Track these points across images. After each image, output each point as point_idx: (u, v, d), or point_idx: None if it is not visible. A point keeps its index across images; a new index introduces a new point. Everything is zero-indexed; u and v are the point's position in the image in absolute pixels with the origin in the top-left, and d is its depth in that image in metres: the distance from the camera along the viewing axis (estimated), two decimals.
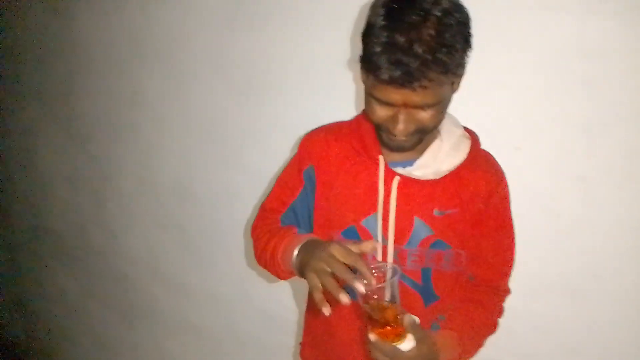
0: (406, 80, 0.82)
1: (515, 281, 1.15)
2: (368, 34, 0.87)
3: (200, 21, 1.71)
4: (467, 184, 1.04)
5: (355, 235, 1.05)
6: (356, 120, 1.12)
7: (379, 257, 1.04)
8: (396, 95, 0.86)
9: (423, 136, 0.98)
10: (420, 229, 1.03)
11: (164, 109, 1.93)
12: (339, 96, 1.47)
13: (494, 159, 1.10)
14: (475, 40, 0.96)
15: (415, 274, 1.05)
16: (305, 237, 0.99)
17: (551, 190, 1.22)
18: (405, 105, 0.88)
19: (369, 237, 1.04)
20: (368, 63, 0.87)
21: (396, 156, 1.04)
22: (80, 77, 2.20)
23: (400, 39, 0.81)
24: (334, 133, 1.13)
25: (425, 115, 0.90)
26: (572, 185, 1.19)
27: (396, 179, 1.03)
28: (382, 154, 1.04)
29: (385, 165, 1.04)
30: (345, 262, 0.83)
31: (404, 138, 0.94)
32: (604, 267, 1.20)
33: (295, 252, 0.96)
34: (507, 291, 1.14)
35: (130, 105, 2.04)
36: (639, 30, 1.06)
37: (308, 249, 0.93)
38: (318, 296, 0.82)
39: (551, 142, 1.19)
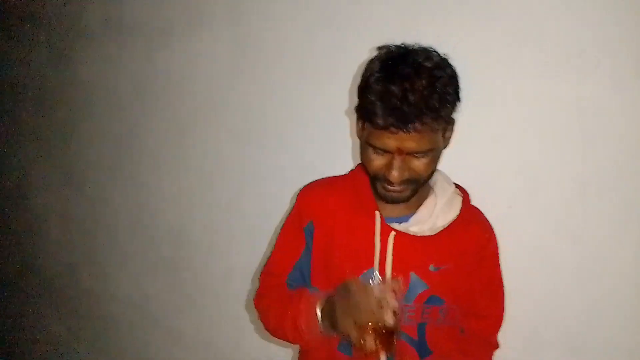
0: (401, 124, 0.87)
1: (513, 335, 1.16)
2: (364, 86, 0.92)
3: (203, 69, 1.75)
4: (460, 239, 1.05)
5: None
6: (351, 174, 1.14)
7: None
8: (391, 140, 0.90)
9: (416, 187, 1.00)
10: (416, 284, 1.04)
11: (163, 153, 1.95)
12: (336, 146, 1.50)
13: (483, 215, 1.13)
14: (474, 98, 1.03)
15: (412, 330, 1.05)
16: (320, 296, 0.99)
17: (546, 248, 1.24)
18: (400, 151, 0.91)
19: None
20: (364, 112, 0.92)
21: (392, 212, 1.06)
22: (80, 120, 2.22)
23: (395, 89, 0.86)
24: (329, 187, 1.14)
25: (418, 164, 0.94)
26: (568, 244, 1.21)
27: (392, 235, 1.03)
28: (378, 209, 1.06)
29: (382, 221, 1.05)
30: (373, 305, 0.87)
31: (398, 188, 0.96)
32: (602, 325, 1.20)
33: (319, 315, 0.97)
34: (497, 345, 1.15)
35: (129, 148, 2.06)
36: (632, 94, 1.11)
37: (332, 309, 0.94)
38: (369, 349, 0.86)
39: (546, 201, 1.22)
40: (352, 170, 1.15)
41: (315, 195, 1.14)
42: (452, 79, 0.92)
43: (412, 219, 1.06)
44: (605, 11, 1.11)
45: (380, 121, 0.88)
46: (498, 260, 1.12)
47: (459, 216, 1.06)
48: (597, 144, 1.15)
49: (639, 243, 1.14)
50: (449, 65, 0.94)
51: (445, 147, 1.00)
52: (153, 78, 1.91)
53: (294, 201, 1.15)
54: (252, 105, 1.66)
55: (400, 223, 1.06)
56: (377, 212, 1.05)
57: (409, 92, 0.86)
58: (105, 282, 2.30)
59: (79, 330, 2.52)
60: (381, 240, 1.04)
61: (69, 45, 2.20)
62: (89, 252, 2.36)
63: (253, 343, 1.81)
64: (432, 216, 1.05)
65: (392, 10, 1.34)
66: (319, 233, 1.10)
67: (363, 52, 1.32)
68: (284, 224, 1.17)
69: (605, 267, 1.18)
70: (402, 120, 0.86)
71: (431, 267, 1.04)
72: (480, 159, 1.28)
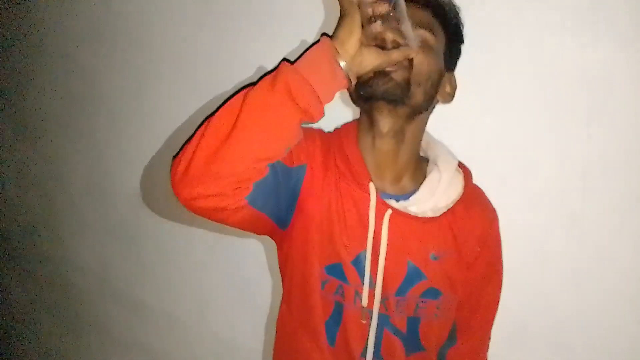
0: None
1: (497, 328, 1.04)
2: None
3: (165, 15, 1.55)
4: (463, 223, 0.91)
5: (341, 273, 0.89)
6: (336, 133, 0.96)
7: (364, 303, 0.89)
8: None
9: (409, 86, 0.83)
10: (413, 275, 0.89)
11: (122, 110, 1.76)
12: None
13: (485, 195, 0.99)
14: (472, 65, 0.93)
15: (401, 322, 0.91)
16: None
17: (539, 233, 1.10)
18: None
19: (356, 278, 0.89)
20: None
21: (388, 186, 0.91)
22: (34, 72, 2.01)
23: None
24: (327, 142, 0.93)
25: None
26: (564, 227, 1.07)
27: (388, 213, 0.87)
28: (371, 180, 0.88)
29: (377, 196, 0.88)
30: None
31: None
32: (593, 322, 1.08)
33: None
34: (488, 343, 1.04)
35: (85, 104, 1.86)
36: None
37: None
38: None
39: (543, 179, 1.07)
40: (336, 129, 0.97)
41: (318, 142, 0.92)
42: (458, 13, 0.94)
43: (413, 198, 0.90)
44: None
45: None
46: (500, 249, 0.99)
47: (461, 196, 0.91)
48: (605, 119, 0.99)
49: None
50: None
51: (447, 100, 0.94)
52: (109, 25, 1.70)
53: None
54: (219, 59, 1.47)
55: (398, 201, 0.90)
56: (371, 184, 0.88)
57: None
58: (63, 248, 2.14)
59: (37, 295, 2.37)
60: (376, 219, 0.87)
61: None
62: (46, 215, 2.18)
63: (217, 315, 1.70)
64: (435, 194, 0.90)
65: None
66: (304, 201, 0.89)
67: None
68: None
69: (602, 259, 1.05)
70: None
71: (431, 256, 0.89)
72: (472, 130, 1.12)
